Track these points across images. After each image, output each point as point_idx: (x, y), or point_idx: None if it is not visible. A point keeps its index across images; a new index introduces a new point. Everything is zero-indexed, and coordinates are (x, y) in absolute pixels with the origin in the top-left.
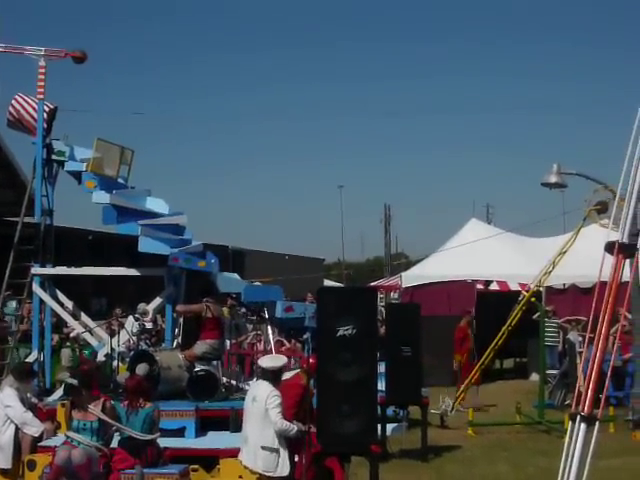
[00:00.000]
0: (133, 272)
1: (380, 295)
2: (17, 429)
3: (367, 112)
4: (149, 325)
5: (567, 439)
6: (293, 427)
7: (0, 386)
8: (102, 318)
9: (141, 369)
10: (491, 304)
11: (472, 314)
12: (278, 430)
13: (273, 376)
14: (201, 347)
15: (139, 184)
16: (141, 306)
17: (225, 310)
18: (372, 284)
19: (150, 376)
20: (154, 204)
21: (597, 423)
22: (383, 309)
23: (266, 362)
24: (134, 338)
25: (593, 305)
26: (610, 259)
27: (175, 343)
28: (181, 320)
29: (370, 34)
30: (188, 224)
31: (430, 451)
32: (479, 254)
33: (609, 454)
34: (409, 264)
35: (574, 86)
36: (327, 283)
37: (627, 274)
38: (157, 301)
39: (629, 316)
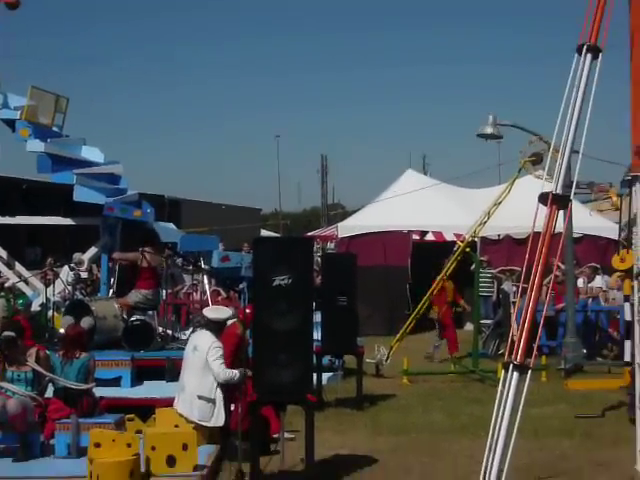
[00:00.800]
0: (68, 221)
1: (317, 245)
2: None
3: (306, 63)
4: (84, 275)
5: (500, 387)
6: (236, 373)
7: None
8: (37, 268)
9: (86, 322)
10: (427, 254)
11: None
12: (223, 379)
13: (216, 327)
14: (135, 296)
15: (74, 133)
16: (76, 255)
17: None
18: (309, 234)
19: (92, 330)
20: (89, 153)
21: (529, 372)
22: (320, 259)
23: (211, 313)
24: (69, 288)
25: (527, 256)
26: (544, 210)
27: (111, 292)
28: (116, 268)
29: None
30: (124, 173)
31: (365, 400)
32: (415, 205)
33: (541, 402)
34: (345, 214)
35: (511, 34)
36: (264, 233)
37: (560, 225)
38: (92, 250)
39: (562, 266)
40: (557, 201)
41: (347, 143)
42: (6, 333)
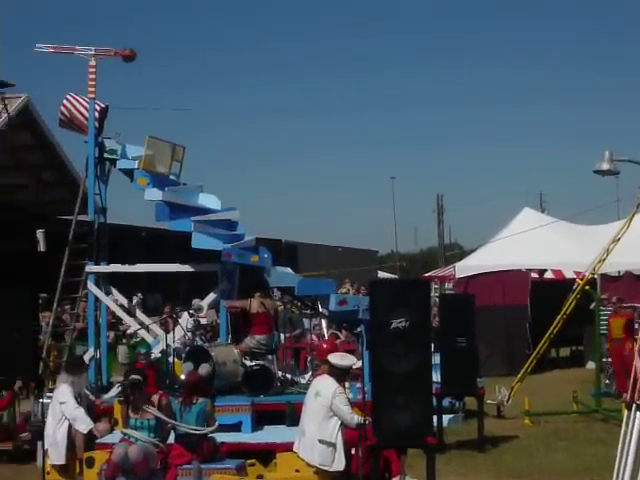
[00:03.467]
0: (187, 268)
1: (434, 286)
2: (70, 425)
3: (419, 103)
4: (204, 321)
5: (623, 427)
6: (360, 419)
7: (56, 383)
8: (157, 315)
9: (204, 368)
10: (546, 293)
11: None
12: (353, 426)
13: (340, 373)
14: (249, 342)
15: (191, 180)
16: (195, 302)
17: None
18: (426, 275)
19: (210, 376)
20: (206, 200)
21: None
22: (437, 300)
23: (335, 359)
24: (189, 334)
25: None
26: None
27: (230, 338)
28: (227, 315)
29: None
30: (241, 219)
31: (487, 442)
32: (533, 243)
33: None
34: (463, 254)
35: (626, 72)
36: (381, 275)
37: None
38: (211, 296)
39: None
40: None
41: (463, 182)
42: (133, 376)
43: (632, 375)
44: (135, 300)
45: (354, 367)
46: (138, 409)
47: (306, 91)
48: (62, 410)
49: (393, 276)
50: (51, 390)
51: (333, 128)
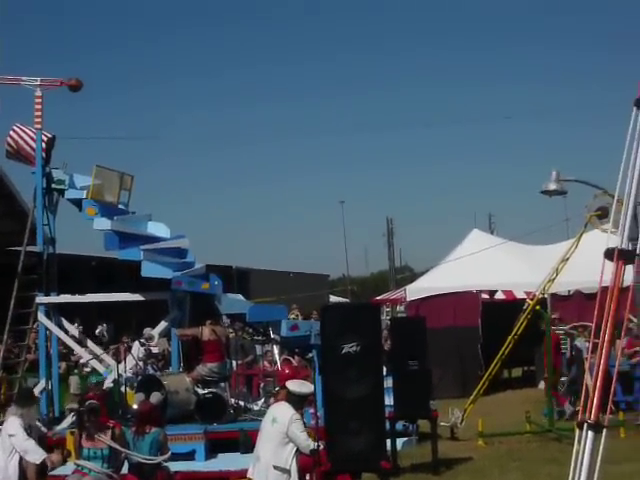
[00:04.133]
0: (137, 297)
1: (386, 309)
2: (22, 458)
3: (365, 126)
4: (155, 349)
5: (575, 446)
6: (315, 444)
7: (5, 416)
8: (109, 344)
9: (155, 397)
10: (497, 313)
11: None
12: (308, 451)
13: (297, 400)
14: (201, 370)
15: (140, 209)
16: (146, 331)
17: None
18: (377, 298)
19: (163, 405)
20: (155, 228)
21: (604, 430)
22: (389, 323)
23: (294, 386)
24: (140, 363)
25: (595, 312)
26: (610, 265)
27: (181, 366)
28: (179, 344)
29: (366, 46)
30: (190, 246)
31: (441, 464)
32: (483, 264)
33: (620, 459)
34: (413, 277)
35: (570, 91)
36: (333, 299)
37: (628, 279)
38: (162, 325)
39: (635, 320)
40: (623, 256)
41: (412, 205)
42: (91, 402)
43: (582, 394)
44: (99, 329)
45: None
46: (92, 437)
47: (254, 116)
48: (12, 443)
49: (345, 300)
50: (1, 423)
51: (281, 153)
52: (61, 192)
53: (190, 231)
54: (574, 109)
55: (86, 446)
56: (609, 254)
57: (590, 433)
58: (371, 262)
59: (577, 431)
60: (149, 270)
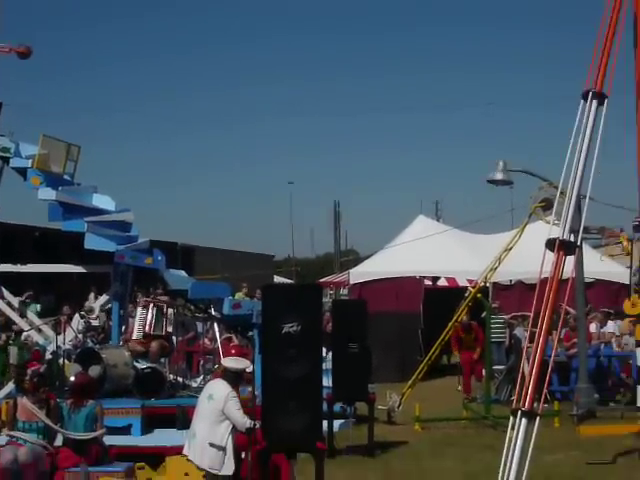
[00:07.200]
0: (79, 269)
1: (330, 291)
2: None
3: (317, 110)
4: (95, 322)
5: (509, 434)
6: (252, 422)
7: None
8: (51, 315)
9: (94, 370)
10: (439, 300)
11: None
12: (244, 428)
13: (233, 377)
14: None
15: (85, 181)
16: (87, 303)
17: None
18: (321, 280)
19: (101, 378)
20: (100, 201)
21: (538, 418)
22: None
23: (229, 363)
24: (80, 336)
25: (534, 302)
26: (551, 255)
27: (121, 340)
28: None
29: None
30: (135, 221)
31: (377, 447)
32: (427, 250)
33: (553, 448)
34: (358, 260)
35: (521, 79)
36: (277, 280)
37: (568, 270)
38: (103, 298)
39: (572, 311)
40: (564, 247)
41: (360, 189)
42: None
43: (517, 382)
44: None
45: (247, 371)
46: (25, 411)
47: (203, 97)
48: None
49: (289, 281)
50: None
51: (231, 133)
52: (6, 160)
53: (136, 206)
54: (524, 98)
55: (21, 419)
56: (550, 244)
57: (524, 420)
58: (317, 245)
59: (511, 418)
60: (92, 242)
